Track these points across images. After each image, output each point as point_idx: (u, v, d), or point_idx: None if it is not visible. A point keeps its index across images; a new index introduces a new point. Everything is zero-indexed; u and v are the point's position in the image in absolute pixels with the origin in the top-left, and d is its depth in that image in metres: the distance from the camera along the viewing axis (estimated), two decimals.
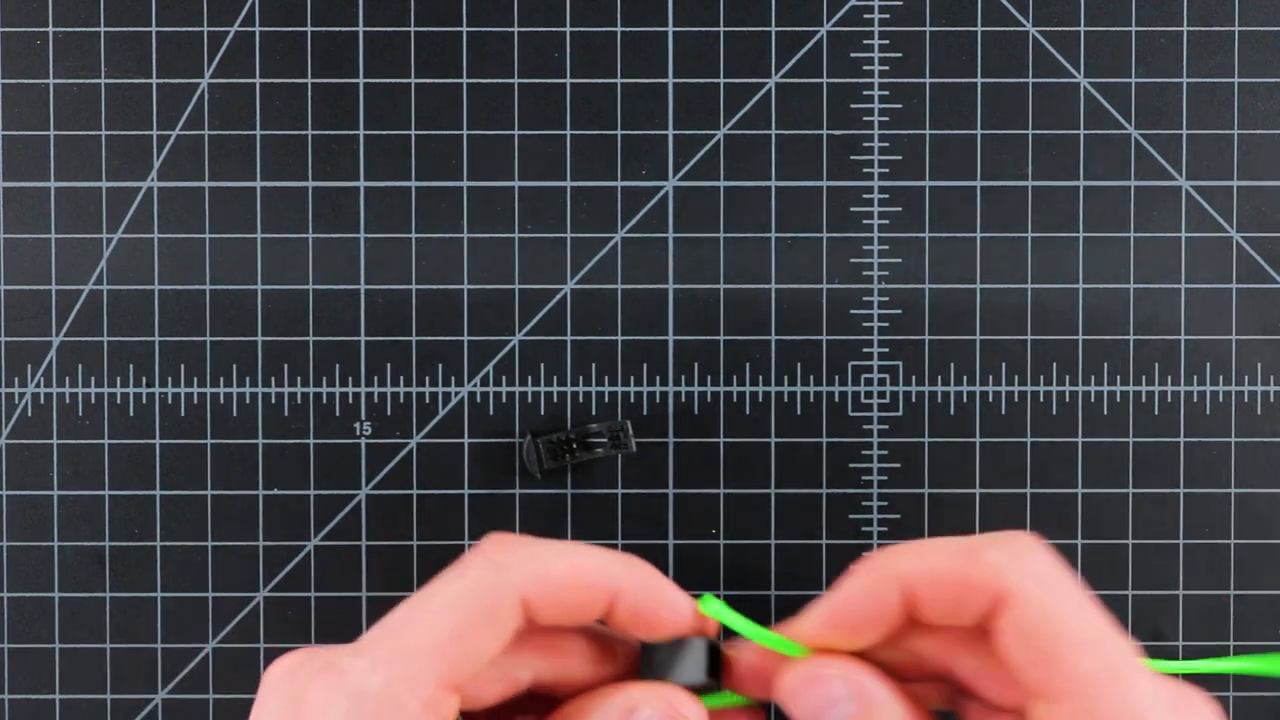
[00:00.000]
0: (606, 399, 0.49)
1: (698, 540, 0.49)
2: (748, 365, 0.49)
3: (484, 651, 0.32)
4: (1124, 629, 0.32)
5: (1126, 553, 0.49)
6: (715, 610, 0.34)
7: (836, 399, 0.49)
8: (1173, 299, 0.49)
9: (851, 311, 0.49)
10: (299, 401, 0.49)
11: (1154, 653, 0.49)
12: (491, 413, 0.49)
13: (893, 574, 0.33)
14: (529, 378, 0.49)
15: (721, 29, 0.49)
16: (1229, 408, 0.49)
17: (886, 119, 0.49)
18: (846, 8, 0.49)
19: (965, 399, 0.49)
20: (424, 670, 0.31)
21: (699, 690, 0.34)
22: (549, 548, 0.33)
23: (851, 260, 0.49)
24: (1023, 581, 0.31)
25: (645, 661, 0.34)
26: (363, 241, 0.49)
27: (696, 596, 0.34)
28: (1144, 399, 0.49)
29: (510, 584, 0.32)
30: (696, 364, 0.49)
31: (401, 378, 0.49)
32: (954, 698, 0.35)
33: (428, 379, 0.49)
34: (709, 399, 0.49)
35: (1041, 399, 0.49)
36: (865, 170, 0.49)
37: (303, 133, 0.49)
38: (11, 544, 0.49)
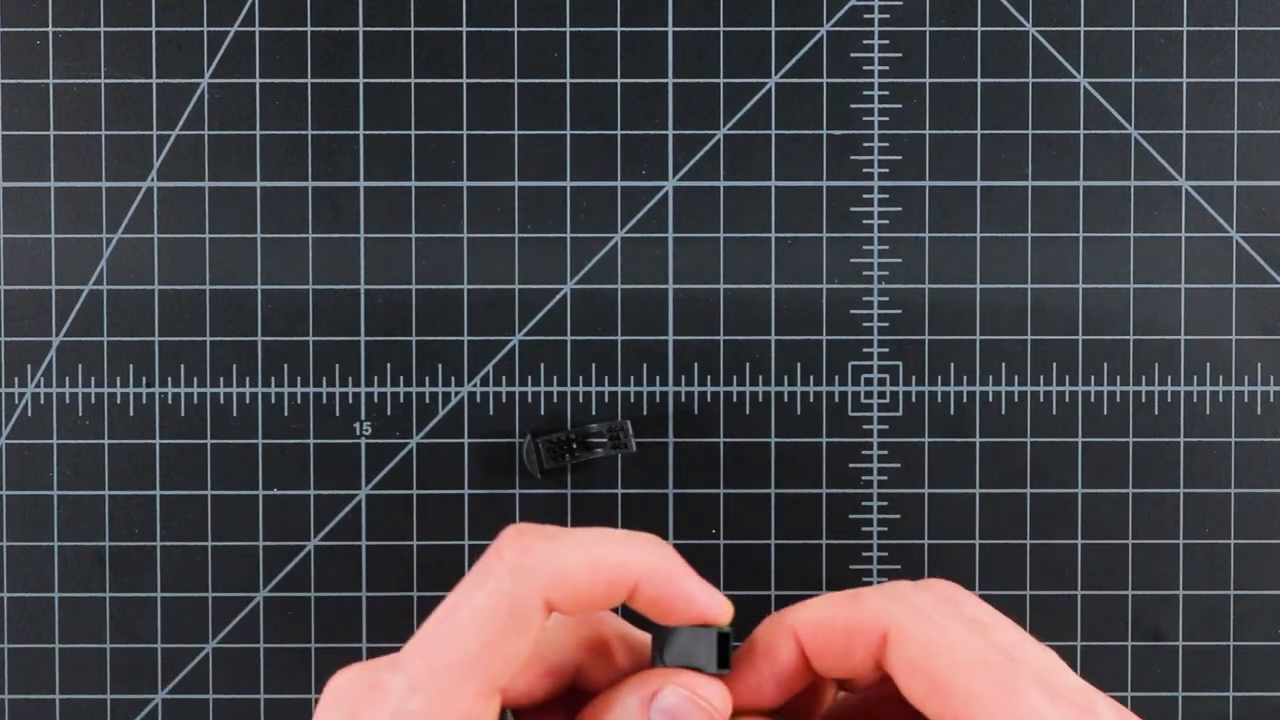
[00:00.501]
0: (606, 399, 0.49)
1: (698, 540, 0.49)
2: (748, 365, 0.49)
3: (515, 654, 0.33)
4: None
5: (1126, 553, 0.49)
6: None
7: (836, 399, 0.49)
8: (1173, 299, 0.49)
9: (851, 311, 0.49)
10: (299, 401, 0.49)
11: (1154, 652, 0.49)
12: (491, 413, 0.49)
13: (786, 626, 0.34)
14: (529, 378, 0.49)
15: (721, 29, 0.49)
16: (1229, 408, 0.49)
17: (886, 119, 0.49)
18: (846, 8, 0.49)
19: (965, 399, 0.49)
20: (459, 685, 0.32)
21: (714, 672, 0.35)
22: (568, 543, 0.33)
23: (851, 260, 0.49)
24: (901, 617, 0.33)
25: (655, 650, 0.35)
26: (363, 241, 0.49)
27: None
28: (1144, 399, 0.49)
29: (532, 589, 0.33)
30: (696, 364, 0.49)
31: (401, 378, 0.49)
32: None
33: (428, 379, 0.49)
34: (709, 399, 0.49)
35: (1041, 399, 0.49)
36: (865, 170, 0.49)
37: (303, 133, 0.49)
38: (11, 544, 0.49)
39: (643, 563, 0.34)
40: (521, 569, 0.33)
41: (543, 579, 0.33)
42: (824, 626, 0.34)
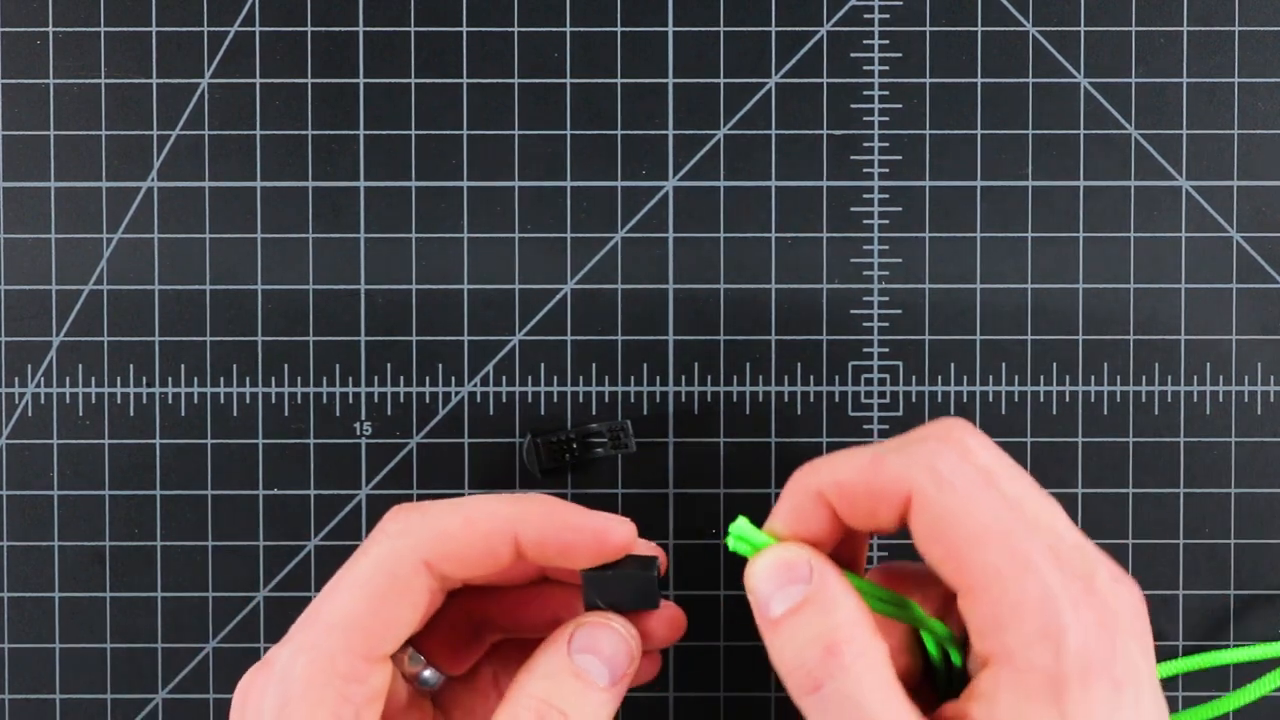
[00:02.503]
0: (606, 399, 0.49)
1: (698, 540, 0.49)
2: (748, 365, 0.49)
3: (401, 620, 0.35)
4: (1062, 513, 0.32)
5: (1126, 553, 0.49)
6: (741, 534, 0.36)
7: (836, 399, 0.49)
8: (1173, 299, 0.49)
9: (851, 311, 0.49)
10: (299, 401, 0.49)
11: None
12: (491, 413, 0.49)
13: (810, 488, 0.35)
14: (529, 378, 0.49)
15: (721, 29, 0.49)
16: (1229, 408, 0.49)
17: (886, 119, 0.49)
18: (846, 8, 0.49)
19: (965, 399, 0.49)
20: (341, 648, 0.33)
21: (645, 608, 0.36)
22: (443, 507, 0.35)
23: (851, 260, 0.49)
24: (923, 485, 0.33)
25: (585, 593, 0.36)
26: (363, 241, 0.49)
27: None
28: (1144, 399, 0.49)
29: (408, 551, 0.34)
30: (696, 364, 0.49)
31: (401, 378, 0.49)
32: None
33: (428, 379, 0.49)
34: (709, 399, 0.49)
35: (1041, 399, 0.49)
36: (865, 170, 0.49)
37: (303, 133, 0.49)
38: (11, 544, 0.49)
39: (516, 510, 0.35)
40: (399, 534, 0.35)
41: (419, 541, 0.34)
42: (849, 489, 0.34)
